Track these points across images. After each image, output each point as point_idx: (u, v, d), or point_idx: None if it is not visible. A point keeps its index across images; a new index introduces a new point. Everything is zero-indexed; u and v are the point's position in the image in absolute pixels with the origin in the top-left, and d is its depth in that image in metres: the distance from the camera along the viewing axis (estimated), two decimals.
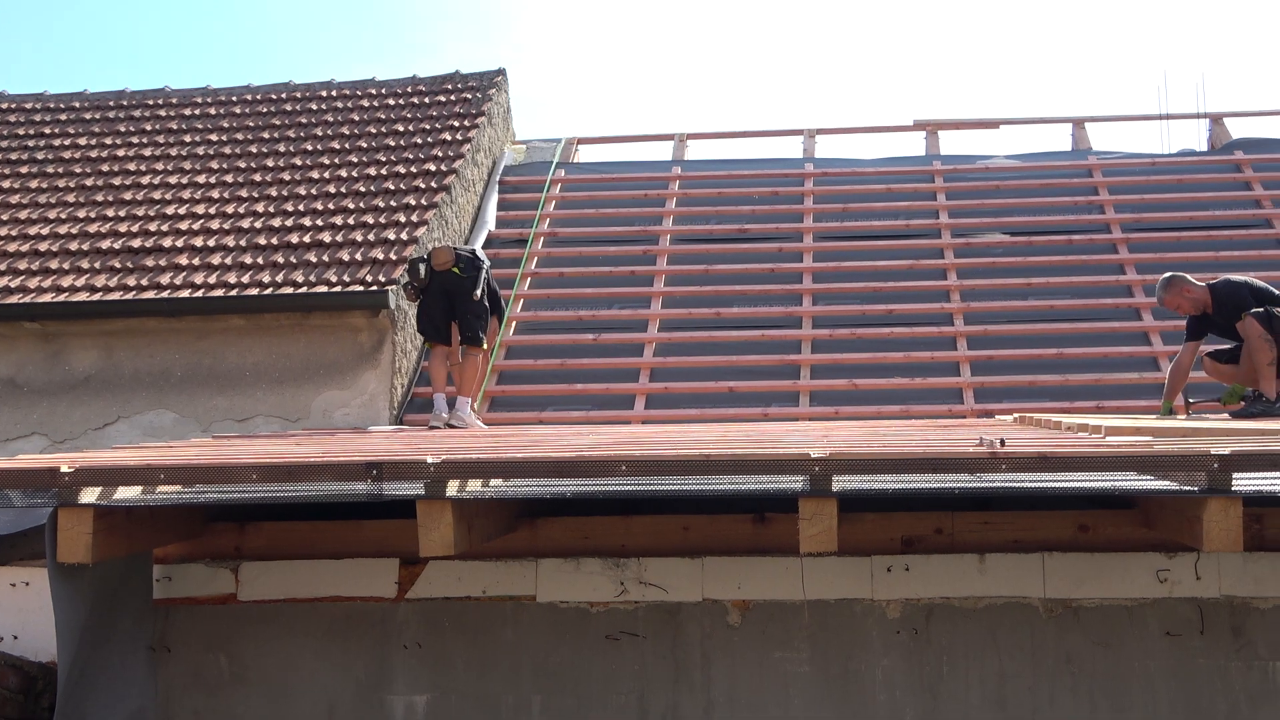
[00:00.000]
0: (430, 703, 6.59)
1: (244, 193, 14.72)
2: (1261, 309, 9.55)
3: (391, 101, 16.82)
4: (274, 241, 13.56)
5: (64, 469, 5.40)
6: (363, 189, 14.69)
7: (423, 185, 14.57)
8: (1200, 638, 6.36)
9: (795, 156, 17.14)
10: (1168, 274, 10.50)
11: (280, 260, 13.16)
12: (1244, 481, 5.30)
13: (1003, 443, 5.69)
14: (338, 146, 15.77)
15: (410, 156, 15.33)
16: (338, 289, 12.59)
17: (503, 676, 6.60)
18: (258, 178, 15.07)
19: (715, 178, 16.39)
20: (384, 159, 15.38)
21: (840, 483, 5.43)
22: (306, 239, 13.55)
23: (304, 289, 12.64)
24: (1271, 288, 10.00)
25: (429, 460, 5.49)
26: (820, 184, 16.06)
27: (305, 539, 6.73)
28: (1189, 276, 10.23)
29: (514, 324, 13.66)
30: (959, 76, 48.56)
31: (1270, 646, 6.32)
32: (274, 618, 6.71)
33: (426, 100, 16.80)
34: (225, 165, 15.37)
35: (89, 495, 5.47)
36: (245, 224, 13.95)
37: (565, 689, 6.57)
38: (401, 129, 16.08)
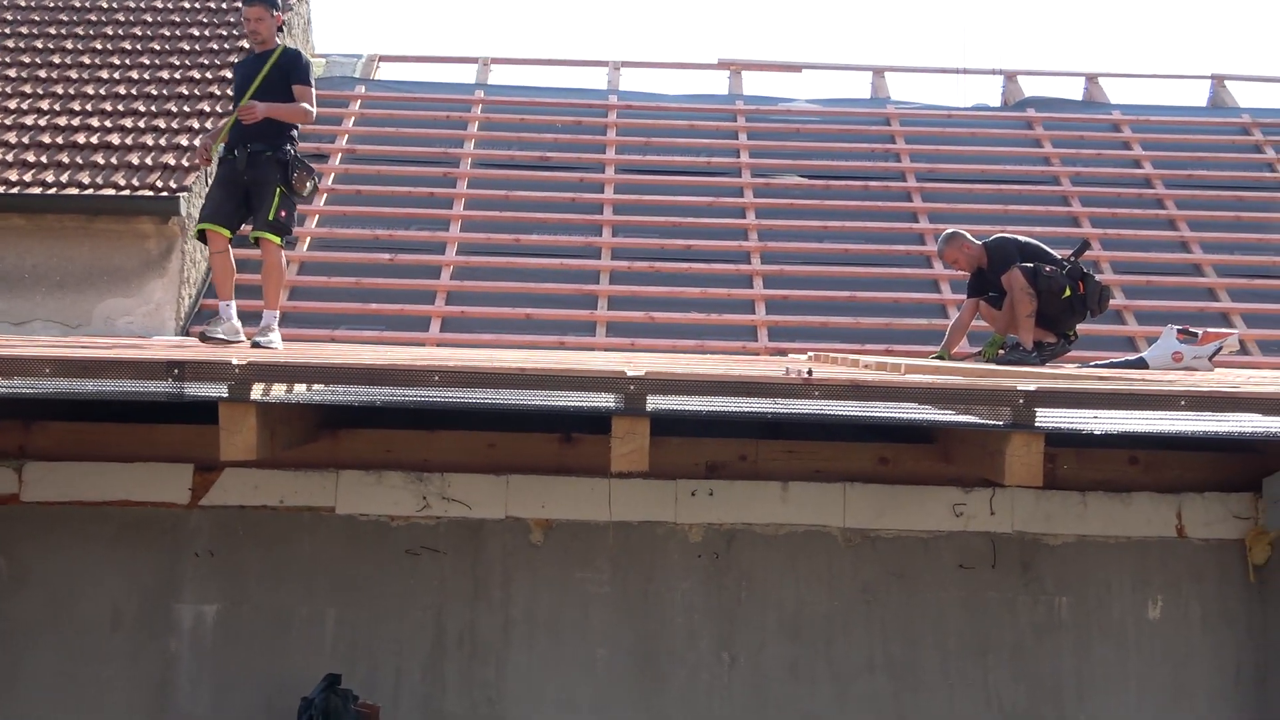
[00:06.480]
0: (220, 612, 6.44)
1: (27, 88, 14.05)
2: (1029, 264, 9.82)
3: (187, 4, 16.22)
4: (59, 140, 13.01)
5: None
6: (154, 92, 14.15)
7: (217, 92, 14.09)
8: (992, 571, 6.54)
9: (600, 88, 17.02)
10: (949, 229, 10.73)
11: (65, 160, 12.63)
12: (1046, 417, 5.43)
13: (810, 373, 5.72)
14: (129, 47, 15.15)
15: (205, 62, 14.82)
16: (126, 192, 12.13)
17: (297, 588, 6.49)
18: (42, 74, 14.40)
19: (518, 104, 16.21)
20: (178, 63, 14.83)
21: (654, 403, 5.41)
22: (94, 140, 13.02)
23: (90, 190, 12.16)
24: (1041, 245, 10.27)
25: (234, 361, 5.32)
26: (624, 116, 16.00)
27: (95, 441, 6.51)
28: (968, 234, 10.45)
29: (308, 240, 13.34)
30: (763, 18, 48.94)
31: (1058, 582, 6.53)
32: (59, 520, 6.48)
33: (224, 5, 16.24)
34: (8, 59, 14.65)
35: None
36: (28, 120, 13.34)
37: (361, 603, 6.48)
38: (197, 34, 15.52)
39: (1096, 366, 9.54)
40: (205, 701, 6.38)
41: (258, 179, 8.75)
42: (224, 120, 9.38)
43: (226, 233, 8.84)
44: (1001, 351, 9.97)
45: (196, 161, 10.86)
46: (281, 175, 8.72)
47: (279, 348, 8.52)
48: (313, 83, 9.05)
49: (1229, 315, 12.48)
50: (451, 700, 6.42)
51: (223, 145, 8.92)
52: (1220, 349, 9.38)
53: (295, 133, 8.95)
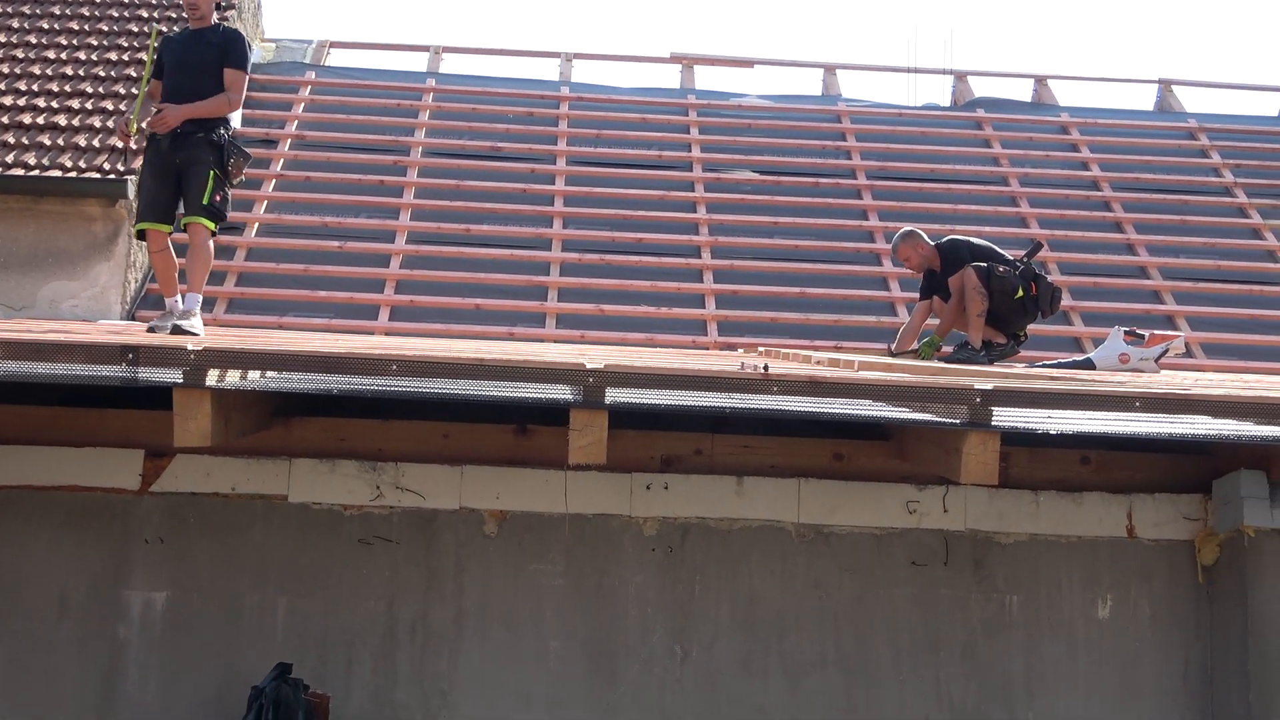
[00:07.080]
0: (170, 600, 6.38)
1: None
2: (983, 264, 9.92)
3: None
4: (4, 120, 12.85)
5: None
6: (102, 74, 14.00)
7: None
8: (944, 569, 6.56)
9: (551, 79, 16.97)
10: (906, 227, 10.81)
11: (11, 140, 12.49)
12: (1003, 416, 5.49)
13: (766, 369, 5.75)
14: (76, 28, 14.97)
15: (154, 44, 14.66)
16: (73, 174, 12.03)
17: (248, 576, 6.44)
18: None
19: (470, 93, 16.12)
20: (126, 44, 14.67)
21: (613, 395, 5.44)
22: (40, 120, 12.88)
23: (36, 171, 12.05)
24: (993, 246, 10.38)
25: (189, 347, 5.30)
26: (576, 108, 15.96)
27: (43, 424, 6.44)
28: (923, 233, 10.54)
29: (255, 226, 13.24)
30: (715, 13, 48.94)
31: (1009, 580, 6.56)
32: (6, 505, 6.40)
33: None
34: None
35: None
36: None
37: (313, 592, 6.44)
38: (145, 15, 15.35)
39: (1044, 367, 9.62)
40: (154, 690, 6.32)
41: (189, 159, 8.38)
42: (138, 97, 8.96)
43: (167, 228, 8.55)
44: (948, 350, 10.05)
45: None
46: (216, 158, 8.37)
47: (200, 333, 8.18)
48: (248, 68, 8.74)
49: (1174, 318, 12.60)
50: (403, 691, 6.38)
51: (142, 121, 8.51)
52: (1166, 351, 9.49)
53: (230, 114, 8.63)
